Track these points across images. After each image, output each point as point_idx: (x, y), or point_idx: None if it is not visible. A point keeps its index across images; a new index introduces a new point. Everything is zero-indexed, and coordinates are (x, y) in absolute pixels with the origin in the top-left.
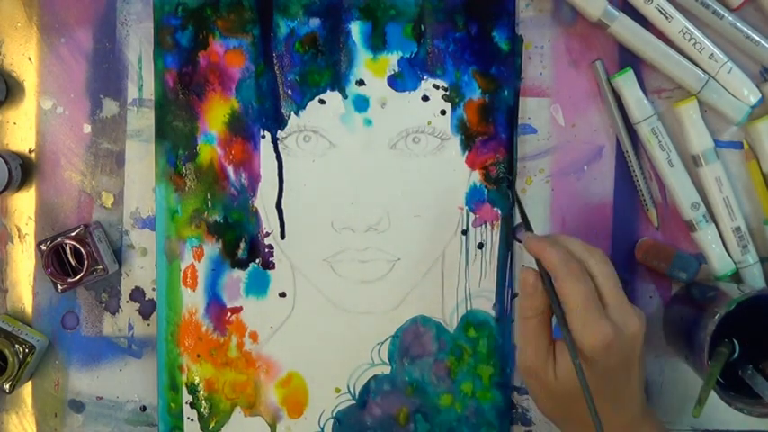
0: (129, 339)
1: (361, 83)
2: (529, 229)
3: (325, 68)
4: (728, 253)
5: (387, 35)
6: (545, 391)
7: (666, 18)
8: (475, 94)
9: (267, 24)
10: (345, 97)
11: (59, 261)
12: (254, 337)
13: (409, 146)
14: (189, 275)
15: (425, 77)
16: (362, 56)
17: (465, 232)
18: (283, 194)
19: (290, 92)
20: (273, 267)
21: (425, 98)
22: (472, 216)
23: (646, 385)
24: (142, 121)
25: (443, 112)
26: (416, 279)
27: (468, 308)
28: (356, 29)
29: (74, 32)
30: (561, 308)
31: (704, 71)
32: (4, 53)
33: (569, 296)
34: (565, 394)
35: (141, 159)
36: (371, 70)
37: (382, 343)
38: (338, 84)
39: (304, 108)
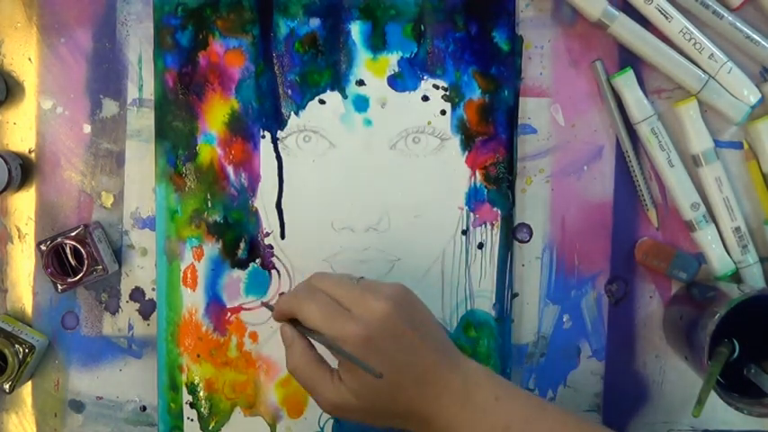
0: (129, 339)
1: (361, 83)
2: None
3: (325, 68)
4: (728, 253)
5: (387, 35)
6: (364, 413)
7: (666, 18)
8: (475, 94)
9: (267, 24)
10: (345, 97)
11: (59, 261)
12: (253, 337)
13: (409, 146)
14: (189, 275)
15: (425, 77)
16: (362, 56)
17: (465, 232)
18: (283, 194)
19: (290, 92)
20: (273, 267)
21: (425, 98)
22: (472, 216)
23: (646, 385)
24: (142, 121)
25: (443, 112)
26: (416, 279)
27: (468, 308)
28: (356, 29)
29: (74, 32)
30: (317, 335)
31: (704, 71)
32: (4, 53)
33: (309, 316)
34: (371, 403)
35: (141, 159)
36: (371, 70)
37: None
38: (338, 84)
39: (304, 108)
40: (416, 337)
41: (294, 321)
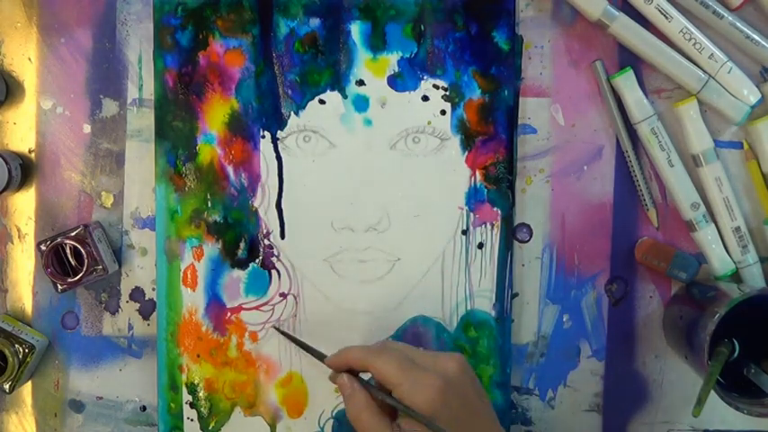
0: (129, 339)
1: (361, 83)
2: (321, 357)
3: (325, 68)
4: (728, 253)
5: (387, 35)
6: None
7: (666, 18)
8: (475, 94)
9: (267, 24)
10: (345, 97)
11: (59, 261)
12: (253, 337)
13: (409, 146)
14: (189, 275)
15: (425, 77)
16: (362, 56)
17: (465, 232)
18: (283, 194)
19: (289, 92)
20: (273, 267)
21: (425, 98)
22: (472, 216)
23: (646, 384)
24: (142, 120)
25: (443, 112)
26: (416, 279)
27: (468, 308)
28: (356, 29)
29: (74, 32)
30: (384, 389)
31: (704, 71)
32: (4, 53)
33: (384, 369)
34: None
35: (141, 159)
36: (371, 70)
37: None
38: (338, 84)
39: (304, 108)
40: (479, 402)
41: (350, 373)
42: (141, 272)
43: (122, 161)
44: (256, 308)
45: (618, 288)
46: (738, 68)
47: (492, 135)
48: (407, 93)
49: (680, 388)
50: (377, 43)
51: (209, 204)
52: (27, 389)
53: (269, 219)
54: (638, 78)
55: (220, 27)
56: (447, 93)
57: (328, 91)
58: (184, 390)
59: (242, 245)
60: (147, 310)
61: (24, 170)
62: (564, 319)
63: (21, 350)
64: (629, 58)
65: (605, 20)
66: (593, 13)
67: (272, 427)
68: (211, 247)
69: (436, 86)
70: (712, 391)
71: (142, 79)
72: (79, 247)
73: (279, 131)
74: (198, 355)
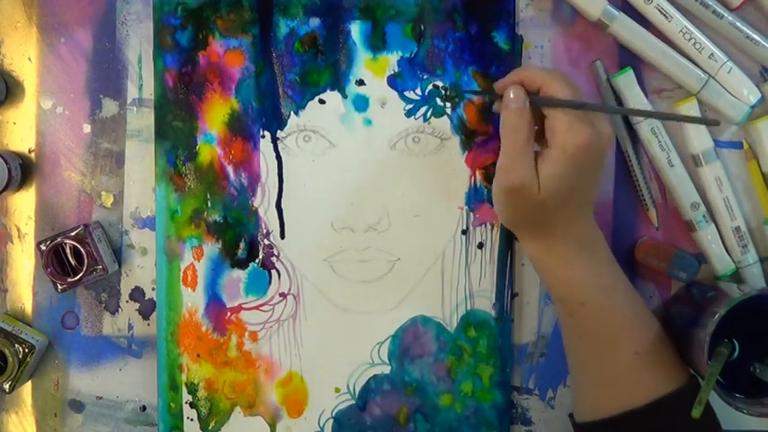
0: (129, 339)
1: (360, 83)
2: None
3: (324, 68)
4: (728, 253)
5: (386, 35)
6: (526, 206)
7: (666, 18)
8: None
9: (267, 24)
10: (345, 97)
11: (59, 261)
12: (253, 336)
13: (409, 146)
14: (189, 275)
15: (425, 77)
16: (362, 56)
17: (465, 232)
18: (283, 194)
19: (289, 92)
20: (273, 267)
21: (425, 98)
22: (472, 216)
23: None
24: (142, 120)
25: (443, 112)
26: (416, 279)
27: (468, 308)
28: (356, 29)
29: (74, 32)
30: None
31: (704, 71)
32: (4, 53)
33: (565, 90)
34: (544, 204)
35: (141, 159)
36: (371, 70)
37: (382, 343)
38: (338, 83)
39: (304, 108)
40: (597, 183)
41: None
42: (141, 272)
43: (122, 161)
44: (256, 308)
45: None
46: (738, 68)
47: (492, 135)
48: (407, 92)
49: None
50: (377, 43)
51: (209, 204)
52: (27, 389)
53: (269, 219)
54: (638, 78)
55: (220, 27)
56: (447, 92)
57: (328, 91)
58: (184, 389)
59: (242, 245)
60: (146, 309)
61: (24, 170)
62: None
63: (21, 350)
64: (629, 58)
65: (605, 20)
66: (594, 13)
67: (272, 427)
68: (211, 247)
69: (436, 86)
70: (712, 391)
71: (142, 79)
72: (79, 246)
73: (279, 131)
74: (198, 355)
